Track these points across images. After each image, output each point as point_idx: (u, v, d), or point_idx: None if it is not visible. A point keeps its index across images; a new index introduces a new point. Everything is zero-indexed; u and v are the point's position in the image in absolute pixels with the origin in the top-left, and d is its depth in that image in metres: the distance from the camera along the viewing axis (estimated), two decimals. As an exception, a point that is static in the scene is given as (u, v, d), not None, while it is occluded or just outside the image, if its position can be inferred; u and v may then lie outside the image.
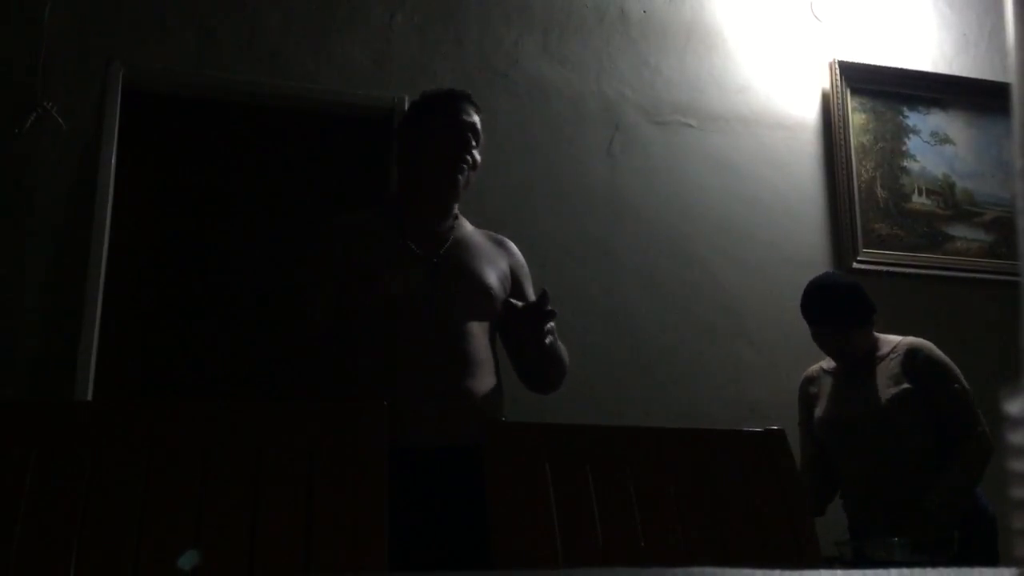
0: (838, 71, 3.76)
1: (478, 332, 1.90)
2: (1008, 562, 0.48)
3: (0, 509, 1.02)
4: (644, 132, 3.52)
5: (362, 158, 3.24)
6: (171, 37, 3.10)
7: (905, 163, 3.79)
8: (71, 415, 1.19)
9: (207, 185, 3.15)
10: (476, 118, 2.03)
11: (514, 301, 1.88)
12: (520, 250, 2.14)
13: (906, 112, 3.86)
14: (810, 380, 2.78)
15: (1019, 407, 0.35)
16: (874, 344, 2.65)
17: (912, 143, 3.83)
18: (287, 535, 1.07)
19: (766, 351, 3.36)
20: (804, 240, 3.57)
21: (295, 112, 3.24)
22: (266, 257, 3.07)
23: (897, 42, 3.93)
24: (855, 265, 3.54)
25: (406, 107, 2.57)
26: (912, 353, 2.58)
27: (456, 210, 2.05)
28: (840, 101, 3.73)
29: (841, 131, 3.70)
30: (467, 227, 2.07)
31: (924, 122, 3.87)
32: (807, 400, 2.76)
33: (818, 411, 2.69)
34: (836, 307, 2.61)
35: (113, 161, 2.95)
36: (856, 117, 3.76)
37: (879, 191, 3.71)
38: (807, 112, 3.74)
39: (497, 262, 2.03)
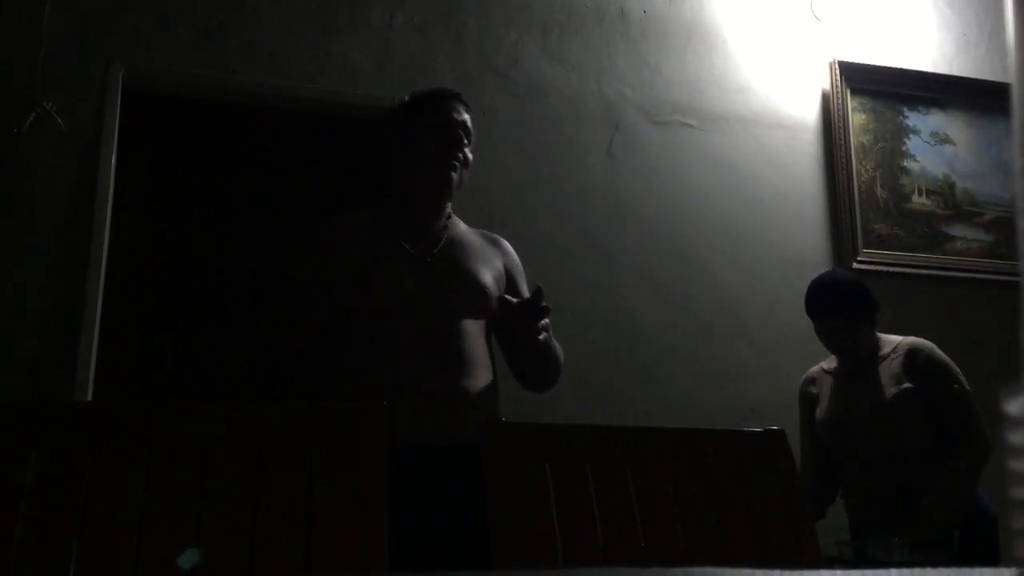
0: (838, 71, 3.76)
1: (473, 331, 1.90)
2: (1008, 562, 0.48)
3: (0, 509, 1.02)
4: (644, 132, 3.52)
5: (362, 158, 3.24)
6: (171, 37, 3.10)
7: (905, 163, 3.79)
8: (71, 415, 1.19)
9: (207, 185, 3.14)
10: (467, 116, 2.03)
11: (508, 297, 1.88)
12: (519, 250, 2.14)
13: (906, 112, 3.85)
14: (811, 380, 2.78)
15: (1019, 407, 0.35)
16: (875, 344, 2.65)
17: (912, 143, 3.83)
18: (287, 535, 1.07)
19: (766, 351, 3.36)
20: (804, 240, 3.57)
21: (295, 112, 3.24)
22: (266, 257, 3.06)
23: (897, 42, 3.93)
24: (855, 265, 3.54)
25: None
26: (913, 353, 2.58)
27: (449, 209, 2.05)
28: (840, 101, 3.73)
29: (841, 131, 3.70)
30: (461, 226, 2.07)
31: (924, 122, 3.87)
32: (808, 400, 2.76)
33: (819, 411, 2.70)
34: (842, 302, 2.61)
35: (113, 161, 2.95)
36: (856, 117, 3.76)
37: (879, 191, 3.71)
38: (807, 112, 3.74)
39: (491, 261, 2.03)
